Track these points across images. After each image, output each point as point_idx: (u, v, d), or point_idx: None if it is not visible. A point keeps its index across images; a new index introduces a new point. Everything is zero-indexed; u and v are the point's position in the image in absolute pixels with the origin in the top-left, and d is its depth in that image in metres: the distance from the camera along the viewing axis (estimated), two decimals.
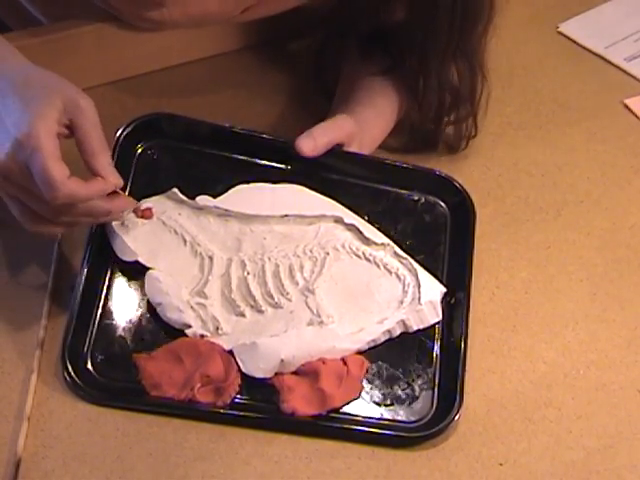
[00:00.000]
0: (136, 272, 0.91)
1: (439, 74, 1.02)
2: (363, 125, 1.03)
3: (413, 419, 0.89)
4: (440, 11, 0.96)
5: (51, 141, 0.79)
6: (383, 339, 0.92)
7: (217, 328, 0.89)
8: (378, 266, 0.95)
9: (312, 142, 0.97)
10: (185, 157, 0.99)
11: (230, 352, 0.88)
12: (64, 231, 0.88)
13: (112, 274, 0.92)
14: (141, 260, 0.91)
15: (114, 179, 0.84)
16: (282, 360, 0.87)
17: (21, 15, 1.14)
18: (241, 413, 0.86)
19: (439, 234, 1.00)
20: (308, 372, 0.88)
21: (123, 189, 0.92)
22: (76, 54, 1.06)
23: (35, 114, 0.79)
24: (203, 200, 0.95)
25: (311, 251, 0.94)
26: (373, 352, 0.91)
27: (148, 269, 0.91)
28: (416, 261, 0.96)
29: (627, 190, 1.11)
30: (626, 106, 1.19)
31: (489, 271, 1.00)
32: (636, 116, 1.18)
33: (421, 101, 1.05)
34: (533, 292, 1.00)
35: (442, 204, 1.02)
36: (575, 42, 1.26)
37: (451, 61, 1.02)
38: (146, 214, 0.93)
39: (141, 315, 0.90)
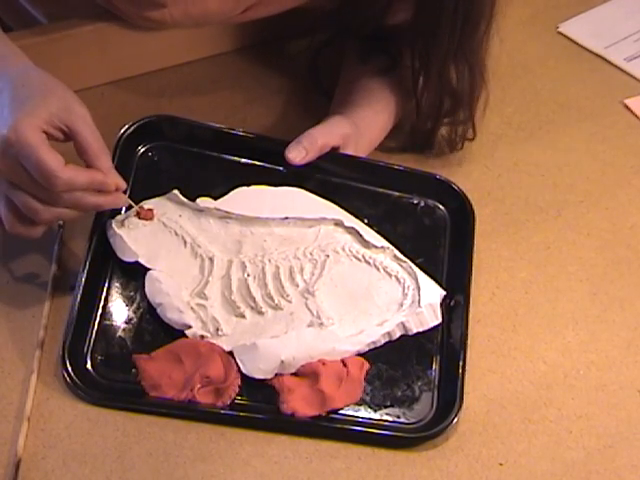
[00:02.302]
0: (136, 273, 0.91)
1: (440, 75, 1.02)
2: (360, 126, 1.02)
3: (413, 420, 0.89)
4: (443, 13, 0.96)
5: (37, 134, 0.80)
6: (383, 341, 0.92)
7: (217, 329, 0.89)
8: (378, 269, 0.95)
9: (302, 150, 0.97)
10: (186, 159, 0.99)
11: (230, 353, 0.88)
12: (40, 233, 0.87)
13: (112, 274, 0.92)
14: (141, 261, 0.91)
15: (118, 181, 0.85)
16: (282, 361, 0.87)
17: (21, 15, 1.14)
18: (241, 413, 0.86)
19: (438, 237, 1.00)
20: (308, 373, 0.88)
21: (124, 191, 0.92)
22: (76, 54, 1.07)
23: (23, 112, 0.80)
24: (204, 202, 0.95)
25: (311, 254, 0.94)
26: (373, 354, 0.91)
27: (148, 270, 0.91)
28: (416, 264, 0.96)
29: (627, 190, 1.11)
30: (626, 106, 1.19)
31: (489, 271, 1.00)
32: (636, 116, 1.18)
33: (420, 101, 1.05)
34: (533, 292, 1.00)
35: (441, 208, 1.02)
36: (575, 42, 1.26)
37: (452, 62, 1.01)
38: (147, 215, 0.93)
39: (141, 316, 0.90)
